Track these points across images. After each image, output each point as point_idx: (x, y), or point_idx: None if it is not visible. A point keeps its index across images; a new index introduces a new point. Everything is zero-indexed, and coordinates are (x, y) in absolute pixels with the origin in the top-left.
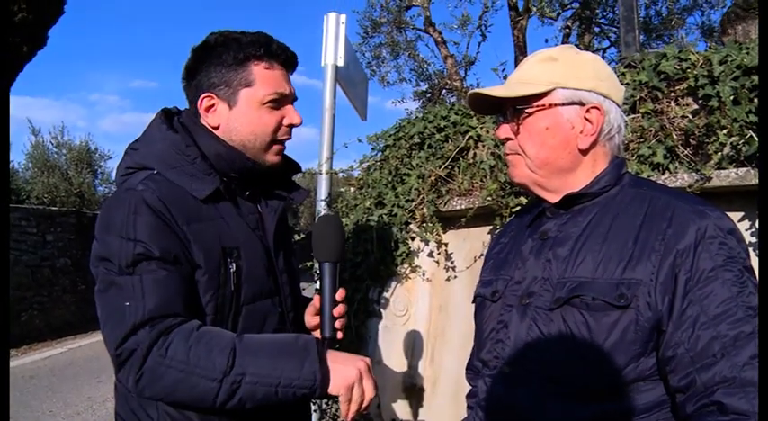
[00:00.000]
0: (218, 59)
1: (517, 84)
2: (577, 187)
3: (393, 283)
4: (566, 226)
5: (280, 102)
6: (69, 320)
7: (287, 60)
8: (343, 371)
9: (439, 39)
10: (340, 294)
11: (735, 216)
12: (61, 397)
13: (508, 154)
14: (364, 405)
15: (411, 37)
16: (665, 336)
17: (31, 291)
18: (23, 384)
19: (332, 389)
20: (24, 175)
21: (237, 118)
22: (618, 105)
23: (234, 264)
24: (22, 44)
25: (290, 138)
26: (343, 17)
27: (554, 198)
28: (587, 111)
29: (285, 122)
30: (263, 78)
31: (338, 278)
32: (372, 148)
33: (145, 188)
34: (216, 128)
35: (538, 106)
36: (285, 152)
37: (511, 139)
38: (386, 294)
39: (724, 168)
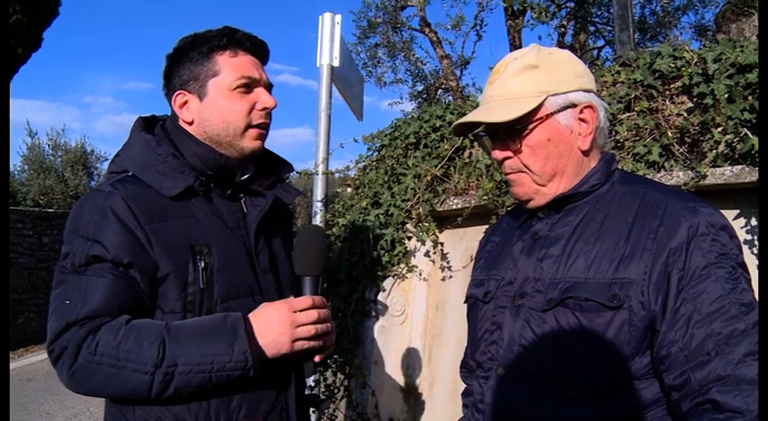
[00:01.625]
0: (186, 58)
1: (505, 101)
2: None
3: (390, 283)
4: (557, 225)
5: (249, 86)
6: None
7: (254, 47)
8: (274, 340)
9: (435, 39)
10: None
11: (730, 214)
12: (58, 399)
13: (509, 173)
14: (318, 342)
15: (407, 37)
16: (659, 335)
17: (28, 293)
18: (20, 387)
19: (272, 357)
20: (20, 178)
21: (208, 108)
22: (597, 95)
23: (202, 262)
24: (17, 46)
25: (267, 123)
26: (338, 17)
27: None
28: (581, 111)
29: (258, 106)
30: (229, 65)
31: (319, 292)
32: (368, 148)
33: (112, 190)
34: (191, 123)
35: (536, 120)
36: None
37: (510, 158)
38: (382, 294)
39: (719, 166)
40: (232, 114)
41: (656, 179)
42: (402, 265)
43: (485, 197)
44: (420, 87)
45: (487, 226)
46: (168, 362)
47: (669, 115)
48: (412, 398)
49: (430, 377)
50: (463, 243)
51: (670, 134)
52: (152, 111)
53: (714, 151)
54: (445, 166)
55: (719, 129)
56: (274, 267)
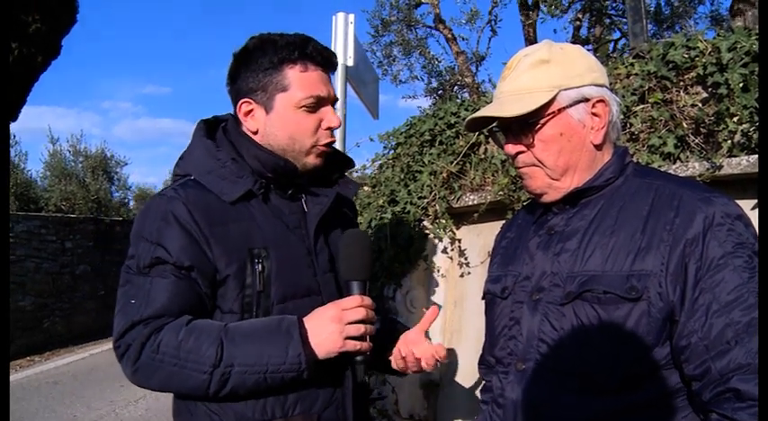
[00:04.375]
0: (254, 64)
1: (517, 95)
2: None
3: (408, 280)
4: (572, 220)
5: (316, 105)
6: (90, 326)
7: (324, 62)
8: (326, 343)
9: (449, 35)
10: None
11: (748, 204)
12: (84, 401)
13: (521, 167)
14: (364, 343)
15: (421, 35)
16: (678, 326)
17: (53, 297)
18: (48, 390)
19: (325, 356)
20: (43, 184)
21: (274, 123)
22: (610, 89)
23: (260, 265)
24: (37, 54)
25: (333, 141)
26: (351, 17)
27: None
28: (593, 105)
29: (323, 125)
30: (299, 82)
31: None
32: (384, 147)
33: (173, 195)
34: (255, 133)
35: (548, 115)
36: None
37: (523, 152)
38: (401, 291)
39: (735, 156)
40: (299, 132)
41: (672, 171)
42: (420, 262)
43: (500, 192)
44: (435, 84)
45: (504, 221)
46: (225, 363)
47: (684, 106)
48: (432, 394)
49: (449, 373)
50: (480, 239)
51: (685, 125)
52: (170, 116)
53: (729, 141)
54: (461, 163)
55: (735, 118)
56: (334, 267)
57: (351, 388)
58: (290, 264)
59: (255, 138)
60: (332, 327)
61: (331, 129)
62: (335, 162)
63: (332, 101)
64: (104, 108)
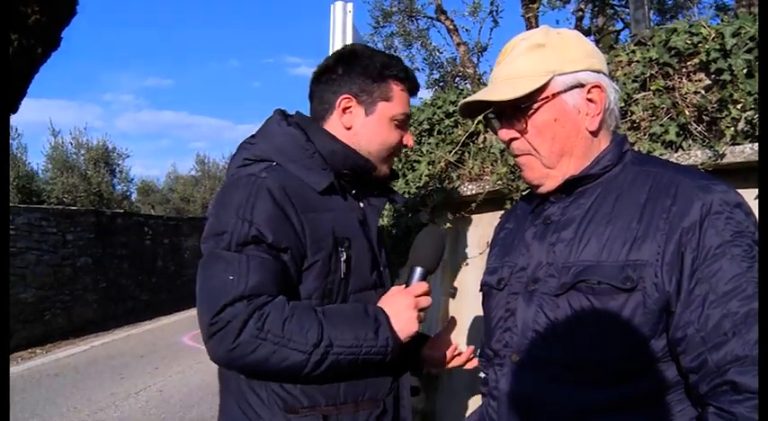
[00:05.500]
0: (363, 68)
1: (511, 80)
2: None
3: (405, 271)
4: (569, 209)
5: (404, 122)
6: (91, 318)
7: (414, 88)
8: (405, 328)
9: (451, 26)
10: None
11: (751, 193)
12: (85, 393)
13: (518, 155)
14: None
15: (423, 25)
16: (675, 317)
17: (54, 290)
18: (49, 382)
19: (405, 340)
20: (45, 177)
21: (371, 127)
22: (608, 76)
23: (344, 253)
24: (36, 46)
25: (399, 156)
26: (349, 6)
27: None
28: (588, 91)
29: (404, 142)
30: (399, 97)
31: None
32: None
33: (268, 176)
34: (348, 128)
35: (542, 100)
36: None
37: (516, 139)
38: (398, 282)
39: (739, 144)
40: (388, 142)
41: (674, 159)
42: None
43: (499, 182)
44: (437, 75)
45: (502, 211)
46: (326, 343)
47: (686, 93)
48: (430, 386)
49: None
50: (479, 229)
51: (687, 113)
52: (172, 108)
53: (733, 128)
54: (459, 152)
55: (739, 105)
56: (389, 262)
57: (407, 377)
58: (364, 256)
59: (345, 133)
60: (408, 314)
61: (406, 148)
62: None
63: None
64: (106, 100)
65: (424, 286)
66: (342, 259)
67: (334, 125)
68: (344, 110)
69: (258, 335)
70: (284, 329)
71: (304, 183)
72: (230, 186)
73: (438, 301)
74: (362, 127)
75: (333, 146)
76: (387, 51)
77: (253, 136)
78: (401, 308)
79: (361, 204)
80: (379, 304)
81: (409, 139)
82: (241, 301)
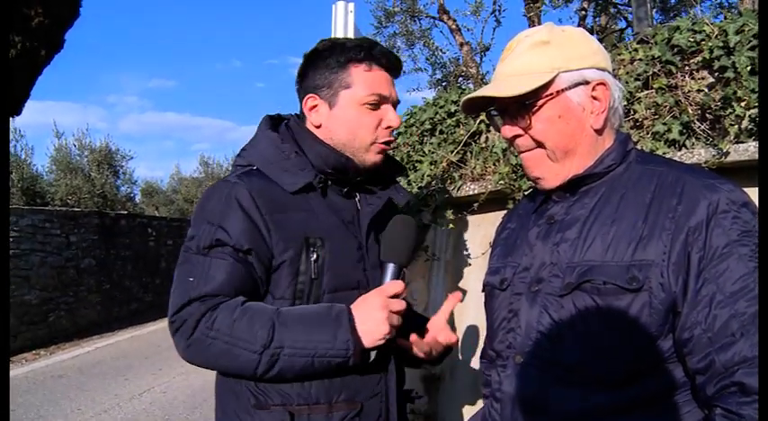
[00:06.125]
0: (322, 63)
1: (515, 76)
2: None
3: (408, 271)
4: (572, 208)
5: (378, 103)
6: (95, 320)
7: (389, 64)
8: (373, 330)
9: (453, 26)
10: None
11: (755, 191)
12: (89, 395)
13: (523, 151)
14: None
15: (425, 25)
16: (681, 318)
17: (57, 291)
18: (52, 383)
19: (373, 344)
20: (48, 178)
21: (337, 118)
22: (612, 74)
23: (315, 254)
24: (40, 48)
25: (392, 141)
26: (351, 6)
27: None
28: (593, 88)
29: (384, 124)
30: (362, 80)
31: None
32: None
33: (237, 181)
34: (318, 127)
35: (546, 96)
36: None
37: (520, 136)
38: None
39: (743, 142)
40: (360, 128)
41: (677, 158)
42: (420, 253)
43: (501, 182)
44: (439, 75)
45: (505, 211)
46: (276, 345)
47: (689, 91)
48: (433, 387)
49: (451, 366)
50: (481, 229)
51: (690, 111)
52: (175, 110)
53: (736, 126)
54: (461, 152)
55: (742, 103)
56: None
57: (395, 381)
58: (342, 256)
59: (318, 131)
60: (378, 315)
61: (391, 129)
62: (390, 167)
63: (394, 102)
64: (110, 102)
65: (398, 285)
66: (312, 259)
67: (309, 126)
68: (311, 109)
69: (209, 334)
70: (233, 329)
71: (276, 186)
72: (206, 193)
73: (441, 301)
74: (329, 121)
75: (315, 147)
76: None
77: (248, 143)
78: (370, 309)
79: (358, 203)
80: (353, 305)
81: (392, 118)
82: (197, 301)
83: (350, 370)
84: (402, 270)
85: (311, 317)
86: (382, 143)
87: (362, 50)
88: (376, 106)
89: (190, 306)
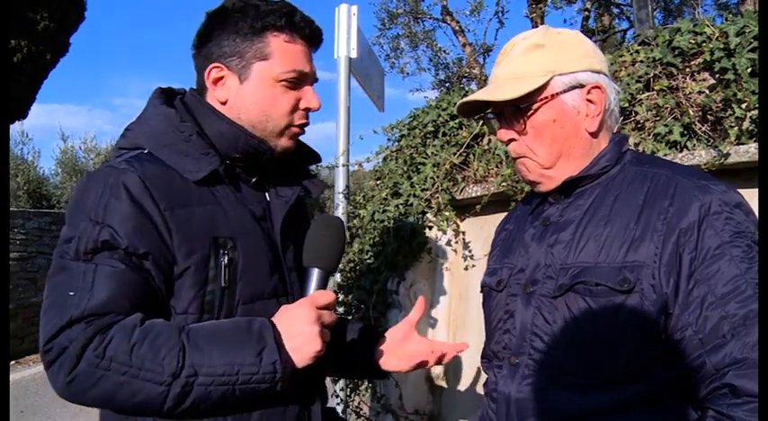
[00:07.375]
0: (233, 27)
1: (510, 80)
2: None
3: (411, 273)
4: (567, 210)
5: (297, 81)
6: None
7: (311, 35)
8: (304, 348)
9: (456, 27)
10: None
11: (755, 193)
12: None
13: (515, 158)
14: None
15: (428, 27)
16: (673, 319)
17: None
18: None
19: (303, 364)
20: (54, 181)
21: (248, 94)
22: (608, 76)
23: (226, 257)
24: (45, 52)
25: (307, 124)
26: (354, 8)
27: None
28: (588, 92)
29: (302, 105)
30: (282, 52)
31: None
32: (388, 139)
33: (127, 167)
34: (223, 103)
35: (541, 100)
36: (303, 141)
37: (515, 140)
38: (404, 284)
39: (743, 143)
40: (274, 108)
41: (678, 159)
42: (423, 255)
43: (503, 184)
44: (443, 76)
45: (508, 213)
46: (188, 372)
47: (690, 93)
48: (437, 388)
49: (454, 367)
50: (484, 231)
51: (691, 112)
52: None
53: (737, 128)
54: (464, 154)
55: (743, 104)
56: (299, 266)
57: (320, 406)
58: (257, 259)
59: (223, 109)
60: (308, 329)
61: (309, 111)
62: (302, 156)
63: (313, 80)
64: (116, 105)
65: (328, 295)
66: (222, 263)
67: (211, 102)
68: (215, 82)
69: (99, 365)
70: (132, 356)
71: (176, 173)
72: (84, 182)
73: (444, 304)
74: (237, 97)
75: (220, 126)
76: (392, 53)
77: (133, 121)
78: (298, 322)
79: (267, 195)
80: (274, 318)
81: (311, 99)
82: (80, 323)
83: (271, 398)
84: (328, 276)
85: (228, 335)
86: (297, 127)
87: (283, 17)
88: (295, 85)
89: (71, 329)
